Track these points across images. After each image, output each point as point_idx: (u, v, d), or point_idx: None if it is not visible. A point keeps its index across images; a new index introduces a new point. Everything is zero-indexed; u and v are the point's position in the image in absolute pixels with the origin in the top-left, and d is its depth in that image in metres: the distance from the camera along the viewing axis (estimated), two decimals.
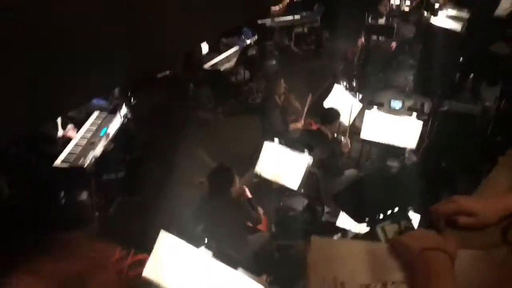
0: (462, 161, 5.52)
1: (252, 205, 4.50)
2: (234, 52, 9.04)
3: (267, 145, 5.06)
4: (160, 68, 7.55)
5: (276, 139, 4.98)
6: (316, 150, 4.88)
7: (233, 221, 4.38)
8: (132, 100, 6.92)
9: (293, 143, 5.18)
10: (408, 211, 2.76)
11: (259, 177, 5.20)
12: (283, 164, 4.99)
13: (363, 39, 9.30)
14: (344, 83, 6.65)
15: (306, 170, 4.85)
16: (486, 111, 5.06)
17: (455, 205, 1.13)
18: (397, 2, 10.60)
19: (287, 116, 6.62)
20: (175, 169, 6.20)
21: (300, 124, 6.42)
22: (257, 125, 6.84)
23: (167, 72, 8.35)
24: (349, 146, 5.61)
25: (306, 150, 4.79)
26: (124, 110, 6.22)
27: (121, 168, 6.04)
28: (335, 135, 5.73)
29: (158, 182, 5.83)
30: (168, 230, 3.56)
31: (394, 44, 9.33)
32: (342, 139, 5.63)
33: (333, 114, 5.64)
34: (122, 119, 6.14)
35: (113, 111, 6.11)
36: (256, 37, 9.60)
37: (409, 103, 7.51)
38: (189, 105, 8.28)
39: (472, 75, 6.51)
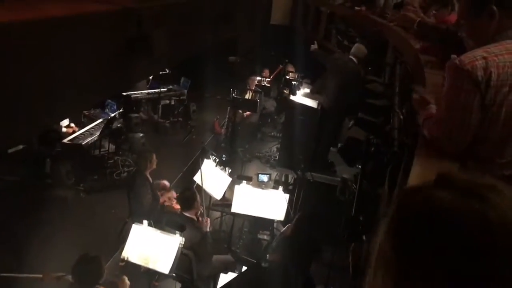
0: (328, 233, 5.80)
1: None
2: (98, 125, 8.64)
3: (135, 228, 4.74)
4: (11, 142, 6.82)
5: (145, 222, 4.69)
6: (187, 231, 4.69)
7: None
8: None
9: (164, 223, 4.93)
10: None
11: (126, 261, 4.81)
12: (153, 247, 4.69)
13: (229, 112, 9.63)
14: (213, 157, 6.67)
15: (178, 252, 4.61)
16: (345, 182, 5.39)
17: None
18: (259, 78, 11.32)
19: (158, 193, 6.35)
20: (28, 259, 5.48)
21: (171, 203, 6.20)
22: (124, 202, 6.46)
23: (20, 147, 7.60)
24: (209, 225, 5.50)
25: (177, 231, 4.58)
26: None
27: None
28: (200, 218, 5.62)
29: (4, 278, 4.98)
30: None
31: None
32: (203, 220, 5.51)
33: (190, 197, 5.47)
34: None
35: None
36: (121, 109, 9.32)
37: (275, 175, 7.85)
38: (46, 182, 7.54)
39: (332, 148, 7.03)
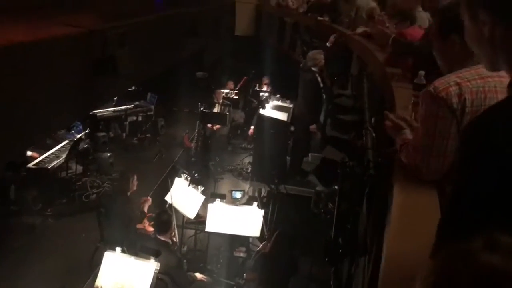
0: (305, 245, 5.81)
1: None
2: (64, 147, 8.40)
3: (107, 255, 4.60)
4: None
5: (117, 248, 4.56)
6: (163, 255, 4.59)
7: None
8: None
9: (138, 248, 4.80)
10: None
11: None
12: (128, 273, 4.56)
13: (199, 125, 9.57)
14: (185, 175, 6.58)
15: (154, 278, 4.50)
16: (319, 194, 5.40)
17: None
18: (226, 90, 11.29)
19: (132, 215, 6.19)
20: None
21: (144, 225, 6.06)
22: (94, 225, 6.28)
23: None
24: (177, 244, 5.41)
25: (152, 256, 4.47)
26: None
27: None
28: (174, 239, 5.52)
29: None
30: None
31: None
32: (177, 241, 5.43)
33: (166, 221, 5.38)
34: None
35: None
36: (87, 129, 9.11)
37: (247, 188, 7.80)
38: (11, 210, 7.26)
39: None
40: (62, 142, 8.48)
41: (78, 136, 8.67)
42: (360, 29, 5.92)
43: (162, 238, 5.21)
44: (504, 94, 1.63)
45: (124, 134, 10.48)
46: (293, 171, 7.02)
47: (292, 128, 7.30)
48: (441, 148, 1.70)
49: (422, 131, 1.75)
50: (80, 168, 8.39)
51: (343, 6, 8.08)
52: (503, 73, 1.73)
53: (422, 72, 3.24)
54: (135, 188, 6.20)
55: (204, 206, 6.24)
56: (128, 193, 6.10)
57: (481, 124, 1.12)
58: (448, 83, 1.71)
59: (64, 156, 8.05)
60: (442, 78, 1.79)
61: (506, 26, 1.06)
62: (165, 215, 5.45)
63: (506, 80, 1.69)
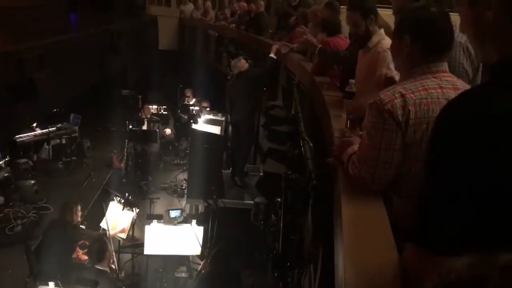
0: (247, 258, 5.77)
1: None
2: None
3: None
4: None
5: (51, 283, 4.26)
6: (101, 285, 4.35)
7: None
8: None
9: (74, 281, 4.51)
10: None
11: None
12: None
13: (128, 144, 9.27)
14: (118, 198, 6.32)
15: None
16: (258, 206, 5.39)
17: None
18: (154, 106, 11.06)
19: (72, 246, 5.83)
20: None
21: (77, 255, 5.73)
22: (21, 260, 5.85)
23: None
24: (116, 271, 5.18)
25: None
26: None
27: None
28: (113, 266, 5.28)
29: None
30: None
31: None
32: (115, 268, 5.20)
33: (101, 249, 5.13)
34: None
35: None
36: (7, 156, 8.50)
37: (184, 205, 7.65)
38: None
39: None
40: None
41: None
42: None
43: (99, 267, 4.94)
44: None
45: (47, 159, 9.89)
46: (232, 183, 7.02)
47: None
48: (387, 160, 1.73)
49: (368, 142, 1.77)
50: (1, 199, 7.79)
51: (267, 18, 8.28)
52: (446, 84, 1.79)
53: (352, 81, 3.35)
54: (79, 219, 5.86)
55: (140, 228, 6.03)
56: (73, 224, 5.75)
57: (454, 104, 1.14)
58: (393, 95, 1.73)
59: None
60: (386, 89, 1.81)
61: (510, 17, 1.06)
62: (98, 243, 5.18)
63: (447, 92, 1.75)
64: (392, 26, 3.24)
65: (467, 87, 1.81)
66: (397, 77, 2.21)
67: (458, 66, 2.45)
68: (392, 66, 2.95)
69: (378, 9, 3.51)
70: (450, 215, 1.04)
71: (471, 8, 1.19)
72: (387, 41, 2.96)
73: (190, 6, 14.47)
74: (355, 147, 1.88)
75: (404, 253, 1.29)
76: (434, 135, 1.14)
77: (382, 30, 3.14)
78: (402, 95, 1.71)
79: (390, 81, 2.28)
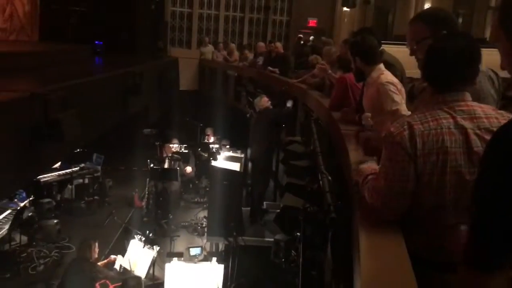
0: None
1: None
2: (6, 217, 7.89)
3: None
4: None
5: None
6: None
7: None
8: None
9: None
10: None
11: None
12: None
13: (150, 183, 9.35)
14: (139, 236, 6.33)
15: None
16: (278, 244, 5.33)
17: None
18: (175, 145, 11.19)
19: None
20: None
21: None
22: None
23: None
24: None
25: None
26: None
27: None
28: None
29: None
30: None
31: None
32: None
33: (136, 286, 5.14)
34: None
35: None
36: (31, 196, 8.65)
37: (204, 243, 7.61)
38: None
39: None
40: (4, 212, 7.98)
41: (22, 204, 8.20)
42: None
43: None
44: (461, 135, 1.68)
45: (70, 198, 10.02)
46: (252, 221, 6.99)
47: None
48: (401, 190, 1.73)
49: (382, 174, 1.78)
50: (25, 239, 7.88)
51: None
52: (460, 113, 1.78)
53: (368, 114, 3.37)
54: (96, 255, 5.90)
55: (160, 266, 6.00)
56: (90, 261, 5.80)
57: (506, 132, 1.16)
58: (402, 127, 1.74)
59: (6, 227, 7.55)
60: (396, 122, 1.83)
61: None
62: (132, 280, 5.20)
63: (461, 121, 1.74)
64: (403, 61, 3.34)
65: (491, 111, 1.77)
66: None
67: (487, 95, 2.45)
68: (397, 98, 3.04)
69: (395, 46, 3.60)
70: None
71: (508, 41, 1.21)
72: (385, 75, 3.17)
73: (210, 48, 14.87)
74: (371, 165, 1.90)
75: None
76: (490, 156, 1.16)
77: (381, 65, 3.22)
78: (410, 127, 1.72)
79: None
